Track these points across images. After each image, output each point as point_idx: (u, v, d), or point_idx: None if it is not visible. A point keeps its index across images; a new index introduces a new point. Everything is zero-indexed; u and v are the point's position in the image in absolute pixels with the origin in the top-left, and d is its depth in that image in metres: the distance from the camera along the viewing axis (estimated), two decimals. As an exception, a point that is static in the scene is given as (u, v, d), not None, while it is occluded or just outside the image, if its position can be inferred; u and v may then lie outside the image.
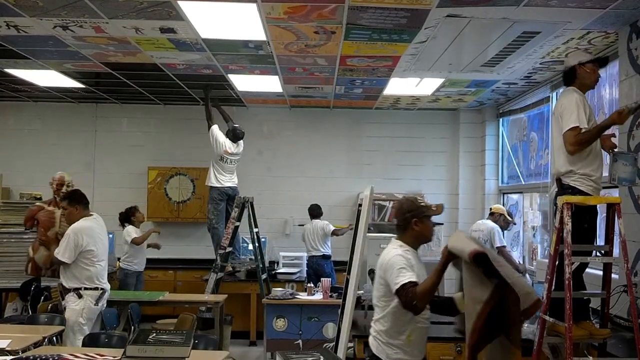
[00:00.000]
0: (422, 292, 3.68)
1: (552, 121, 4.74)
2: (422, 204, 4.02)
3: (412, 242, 3.99)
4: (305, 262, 9.62)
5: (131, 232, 8.86)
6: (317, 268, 9.27)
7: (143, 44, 6.47)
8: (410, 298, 3.64)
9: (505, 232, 8.39)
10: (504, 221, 8.38)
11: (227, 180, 8.93)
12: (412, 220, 3.92)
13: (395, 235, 4.08)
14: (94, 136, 10.56)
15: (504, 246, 8.19)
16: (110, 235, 10.07)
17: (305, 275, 9.46)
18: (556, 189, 4.61)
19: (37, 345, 4.82)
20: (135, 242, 8.74)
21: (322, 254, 9.35)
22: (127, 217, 9.01)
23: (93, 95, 9.68)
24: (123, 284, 8.88)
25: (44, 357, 4.15)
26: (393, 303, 3.80)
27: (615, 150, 4.67)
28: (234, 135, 9.02)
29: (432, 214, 4.01)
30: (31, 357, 4.18)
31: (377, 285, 3.92)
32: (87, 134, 10.55)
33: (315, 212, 9.58)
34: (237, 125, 9.10)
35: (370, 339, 3.93)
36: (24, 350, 4.53)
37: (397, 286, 3.69)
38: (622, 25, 5.33)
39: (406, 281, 3.68)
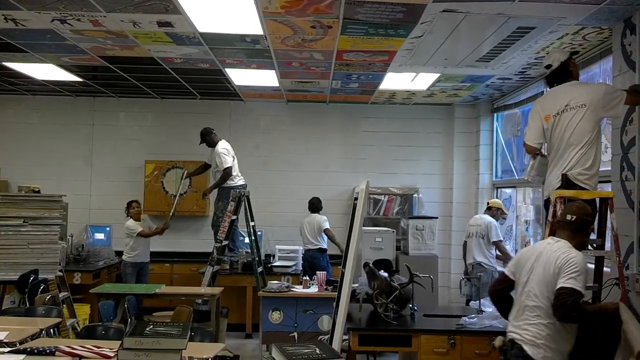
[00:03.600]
0: (590, 312, 3.74)
1: (573, 114, 4.65)
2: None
3: (577, 248, 3.90)
4: (301, 255, 9.65)
5: (131, 225, 8.93)
6: (313, 261, 9.31)
7: (140, 38, 6.49)
8: (573, 306, 3.58)
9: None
10: (500, 215, 8.45)
11: (239, 178, 9.05)
12: (590, 227, 3.92)
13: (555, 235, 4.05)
14: (92, 129, 10.57)
15: (501, 240, 8.24)
16: (107, 229, 10.15)
17: (300, 268, 9.49)
18: (559, 184, 4.58)
19: (34, 337, 4.85)
20: (142, 234, 8.91)
21: (318, 247, 9.38)
22: (127, 211, 9.12)
23: (90, 88, 9.69)
24: (122, 274, 8.97)
25: (41, 349, 4.18)
26: None
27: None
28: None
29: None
30: (28, 349, 4.21)
31: (546, 282, 3.79)
32: (84, 128, 10.57)
33: (314, 205, 9.60)
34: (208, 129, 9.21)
35: (529, 347, 3.75)
36: (21, 342, 4.55)
37: (568, 286, 3.61)
38: (616, 21, 5.37)
39: (580, 289, 3.62)
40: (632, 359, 3.61)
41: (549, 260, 3.79)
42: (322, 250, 9.36)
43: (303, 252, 9.55)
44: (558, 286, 3.63)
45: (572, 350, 3.83)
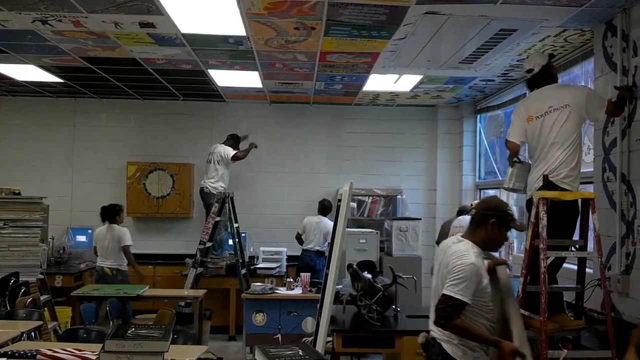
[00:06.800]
0: (458, 327, 3.57)
1: (557, 115, 4.63)
2: (509, 211, 3.85)
3: (481, 244, 3.78)
4: (285, 256, 9.64)
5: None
6: (309, 263, 9.25)
7: (122, 39, 6.45)
8: (448, 314, 3.52)
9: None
10: None
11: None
12: (490, 220, 3.75)
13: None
14: (73, 131, 10.49)
15: None
16: (89, 231, 10.07)
17: (285, 270, 9.47)
18: (540, 185, 4.61)
19: (15, 340, 4.81)
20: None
21: (317, 250, 9.32)
22: (112, 215, 8.57)
23: (72, 89, 9.62)
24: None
25: (22, 352, 4.15)
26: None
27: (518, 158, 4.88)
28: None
29: (512, 226, 3.86)
30: (9, 353, 4.17)
31: (443, 285, 3.67)
32: (66, 129, 10.48)
33: (326, 207, 9.57)
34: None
35: (448, 346, 3.68)
36: (1, 346, 4.51)
37: (446, 293, 3.55)
38: (597, 23, 5.41)
39: (459, 298, 3.53)
40: None
41: (443, 264, 3.74)
42: (320, 253, 9.27)
43: (301, 251, 9.51)
44: (442, 290, 3.60)
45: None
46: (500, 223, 3.77)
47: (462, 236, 3.86)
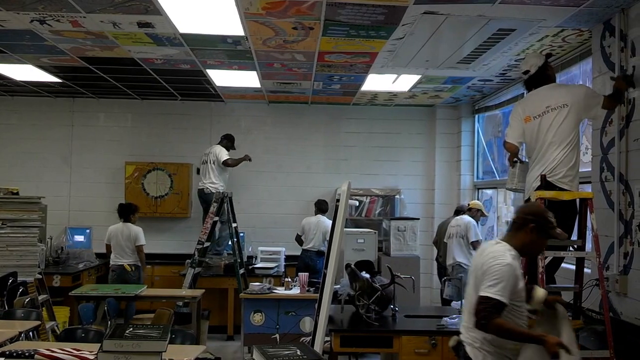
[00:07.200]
0: (500, 326, 3.45)
1: (555, 115, 4.64)
2: (551, 219, 3.75)
3: (519, 248, 3.68)
4: (283, 256, 9.64)
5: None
6: (309, 262, 9.25)
7: (120, 39, 6.45)
8: (488, 314, 3.43)
9: (479, 225, 8.52)
10: (480, 216, 8.52)
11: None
12: (530, 225, 3.66)
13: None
14: (71, 131, 10.47)
15: (478, 241, 8.28)
16: (87, 231, 10.06)
17: (283, 269, 9.47)
18: (538, 184, 4.62)
19: (13, 340, 4.80)
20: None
21: (317, 250, 9.32)
22: (129, 213, 8.79)
23: (70, 89, 9.60)
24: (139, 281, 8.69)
25: (20, 352, 4.14)
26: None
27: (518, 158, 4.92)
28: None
29: (552, 234, 3.76)
30: (7, 352, 4.16)
31: (476, 288, 3.59)
32: (64, 129, 10.46)
33: (323, 206, 9.59)
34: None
35: (470, 349, 3.63)
36: (0, 346, 4.51)
37: (483, 294, 3.46)
38: (595, 23, 5.41)
39: (497, 298, 3.44)
40: None
41: (477, 266, 3.66)
42: (320, 253, 9.24)
43: (301, 251, 9.51)
44: (479, 292, 3.52)
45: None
46: (539, 229, 3.69)
47: (500, 239, 3.80)
